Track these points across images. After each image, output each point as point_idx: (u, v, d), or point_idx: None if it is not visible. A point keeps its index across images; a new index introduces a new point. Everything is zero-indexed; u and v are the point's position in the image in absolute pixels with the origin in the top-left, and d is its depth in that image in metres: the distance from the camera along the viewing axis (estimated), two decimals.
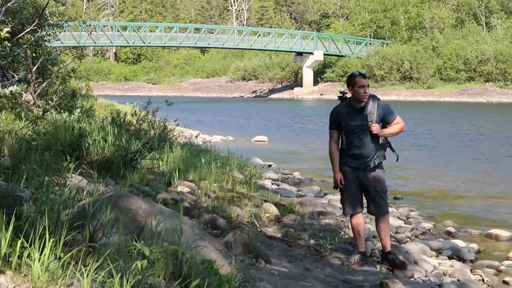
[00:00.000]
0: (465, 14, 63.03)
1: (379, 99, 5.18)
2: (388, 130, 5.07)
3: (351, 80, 5.02)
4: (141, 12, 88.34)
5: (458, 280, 5.31)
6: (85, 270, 2.68)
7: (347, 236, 6.14)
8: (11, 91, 4.68)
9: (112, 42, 56.85)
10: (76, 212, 3.39)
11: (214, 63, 75.19)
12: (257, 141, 18.73)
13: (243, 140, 18.66)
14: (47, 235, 2.72)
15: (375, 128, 4.94)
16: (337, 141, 5.14)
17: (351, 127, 5.00)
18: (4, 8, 6.51)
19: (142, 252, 2.85)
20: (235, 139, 19.05)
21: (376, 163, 5.05)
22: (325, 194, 9.46)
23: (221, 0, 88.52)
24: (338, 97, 5.21)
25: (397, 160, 5.29)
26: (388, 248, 5.27)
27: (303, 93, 58.72)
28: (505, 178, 11.66)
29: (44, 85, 8.30)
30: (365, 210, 5.37)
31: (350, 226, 5.49)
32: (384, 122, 5.06)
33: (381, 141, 5.13)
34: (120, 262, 2.89)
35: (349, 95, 5.13)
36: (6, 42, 5.65)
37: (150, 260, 2.85)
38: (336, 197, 8.28)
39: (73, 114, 8.31)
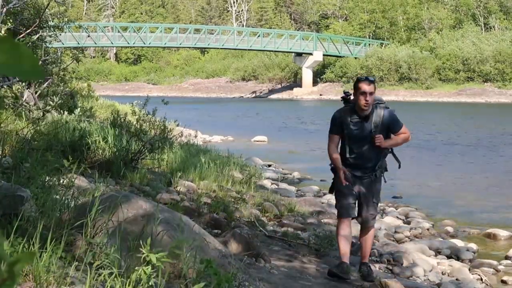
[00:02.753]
0: (464, 15, 63.04)
1: (384, 102, 4.87)
2: (392, 141, 4.77)
3: (355, 84, 4.71)
4: (141, 13, 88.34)
5: (456, 279, 5.34)
6: (87, 270, 2.70)
7: None
8: (13, 92, 4.71)
9: (112, 43, 56.81)
10: (77, 212, 3.42)
11: (214, 64, 75.18)
12: (257, 141, 18.75)
13: (243, 140, 18.68)
14: (49, 235, 2.74)
15: (379, 140, 4.63)
16: (337, 145, 4.84)
17: (354, 136, 4.69)
18: (5, 9, 6.54)
19: (146, 256, 2.84)
20: (235, 139, 19.06)
21: (378, 175, 4.80)
22: (324, 194, 9.49)
23: (221, 1, 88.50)
24: (341, 97, 4.88)
25: (399, 167, 4.99)
26: (366, 259, 4.97)
27: (303, 94, 58.74)
28: (504, 178, 11.69)
29: (44, 85, 8.33)
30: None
31: (336, 232, 4.89)
32: (389, 131, 4.77)
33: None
34: (121, 262, 2.92)
35: (353, 97, 4.81)
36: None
37: (155, 266, 2.83)
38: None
39: (74, 113, 8.34)
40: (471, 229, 7.46)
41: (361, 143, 4.71)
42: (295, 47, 58.64)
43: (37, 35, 9.32)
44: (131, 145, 6.66)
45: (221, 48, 62.17)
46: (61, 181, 3.87)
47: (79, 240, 3.15)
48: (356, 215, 4.90)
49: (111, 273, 2.75)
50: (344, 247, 4.68)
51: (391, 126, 4.75)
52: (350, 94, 4.83)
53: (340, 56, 59.58)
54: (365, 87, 4.58)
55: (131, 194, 3.91)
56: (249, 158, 12.20)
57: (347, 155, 4.75)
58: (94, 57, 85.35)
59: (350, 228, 4.83)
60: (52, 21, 11.20)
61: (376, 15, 66.69)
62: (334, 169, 4.88)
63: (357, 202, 4.87)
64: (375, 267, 5.31)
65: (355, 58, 58.54)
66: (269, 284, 3.92)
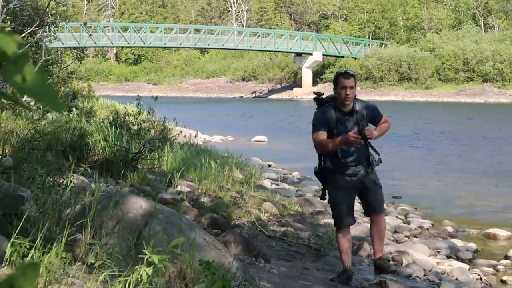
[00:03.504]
0: (463, 15, 63.04)
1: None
2: (379, 132, 4.69)
3: (334, 80, 4.61)
4: (141, 13, 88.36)
5: (456, 279, 5.34)
6: (87, 270, 2.71)
7: None
8: (13, 90, 4.69)
9: (112, 43, 56.82)
10: (77, 211, 3.42)
11: (214, 64, 75.21)
12: (257, 141, 18.74)
13: (243, 140, 18.68)
14: (53, 235, 2.75)
15: (369, 132, 4.45)
16: None
17: (343, 133, 4.48)
18: (5, 9, 6.55)
19: (148, 258, 2.83)
20: (235, 139, 19.06)
21: (373, 167, 4.73)
22: None
23: (221, 1, 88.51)
24: (314, 98, 4.68)
25: (379, 160, 4.82)
26: (381, 254, 4.98)
27: (302, 94, 58.69)
28: (504, 178, 11.69)
29: None
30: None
31: (337, 240, 4.85)
32: (372, 122, 4.73)
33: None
34: (122, 262, 2.92)
35: (325, 95, 4.75)
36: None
37: (157, 268, 2.82)
38: None
39: (72, 113, 8.34)
40: (471, 229, 7.46)
41: None
42: (295, 47, 58.64)
43: (38, 35, 9.32)
44: (131, 145, 6.67)
45: (221, 48, 62.18)
46: (61, 181, 3.88)
47: (79, 240, 3.16)
48: (364, 213, 4.97)
49: (111, 273, 2.76)
50: (347, 256, 4.71)
51: (375, 116, 4.73)
52: (322, 94, 4.74)
53: (340, 56, 59.58)
54: (345, 81, 4.50)
55: (131, 194, 3.92)
56: (249, 158, 12.20)
57: (339, 155, 4.59)
58: (95, 55, 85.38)
59: (350, 235, 4.84)
60: (49, 20, 11.18)
61: (375, 15, 66.71)
62: (320, 174, 4.79)
63: (362, 199, 4.89)
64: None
65: (355, 58, 58.55)
66: (269, 284, 3.93)
